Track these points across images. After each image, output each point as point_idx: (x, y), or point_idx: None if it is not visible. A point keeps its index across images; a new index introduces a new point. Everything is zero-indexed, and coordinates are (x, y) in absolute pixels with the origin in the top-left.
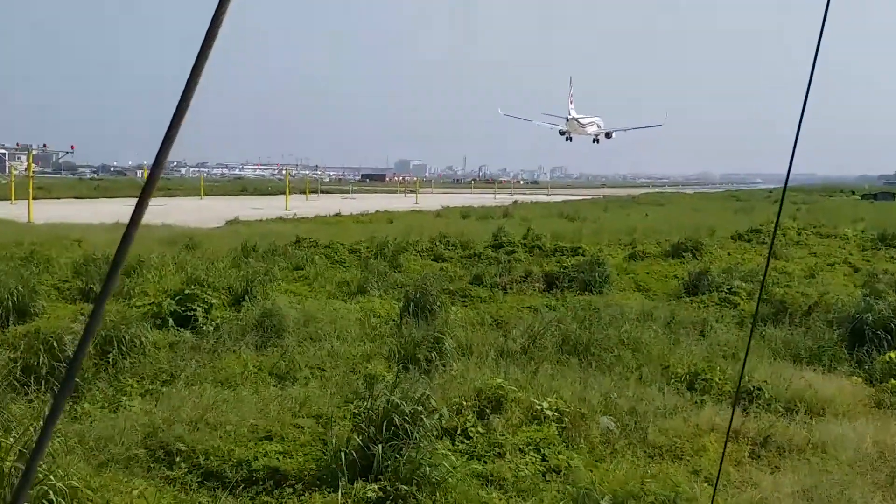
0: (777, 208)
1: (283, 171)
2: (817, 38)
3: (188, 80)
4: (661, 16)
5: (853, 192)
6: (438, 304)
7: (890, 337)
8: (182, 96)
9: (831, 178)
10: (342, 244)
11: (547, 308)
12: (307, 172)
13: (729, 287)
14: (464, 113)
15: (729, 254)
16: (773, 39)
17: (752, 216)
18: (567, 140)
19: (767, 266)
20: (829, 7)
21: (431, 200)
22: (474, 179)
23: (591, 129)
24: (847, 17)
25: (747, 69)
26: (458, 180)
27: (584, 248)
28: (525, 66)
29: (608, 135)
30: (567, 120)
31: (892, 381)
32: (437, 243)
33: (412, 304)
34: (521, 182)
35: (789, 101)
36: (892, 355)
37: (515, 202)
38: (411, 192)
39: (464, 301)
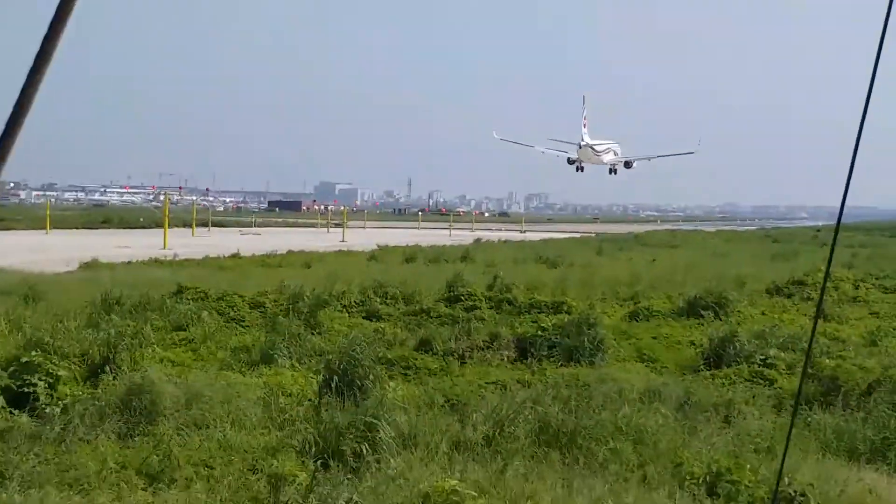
0: (827, 253)
1: (162, 196)
2: (878, 41)
3: (27, 79)
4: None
5: None
6: (371, 377)
7: None
8: (18, 100)
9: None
10: (240, 296)
11: (519, 384)
12: (195, 198)
13: (763, 357)
14: (409, 123)
15: (763, 313)
16: (825, 42)
17: (795, 263)
18: (578, 170)
19: (814, 330)
20: (891, 12)
21: (364, 237)
22: (423, 210)
23: (608, 158)
24: None
25: (789, 74)
26: (400, 210)
27: (569, 303)
28: (500, 67)
29: (627, 164)
30: (580, 147)
31: None
32: (371, 295)
33: (335, 379)
34: (487, 214)
35: (844, 113)
36: None
37: (478, 240)
38: (336, 225)
39: (406, 374)
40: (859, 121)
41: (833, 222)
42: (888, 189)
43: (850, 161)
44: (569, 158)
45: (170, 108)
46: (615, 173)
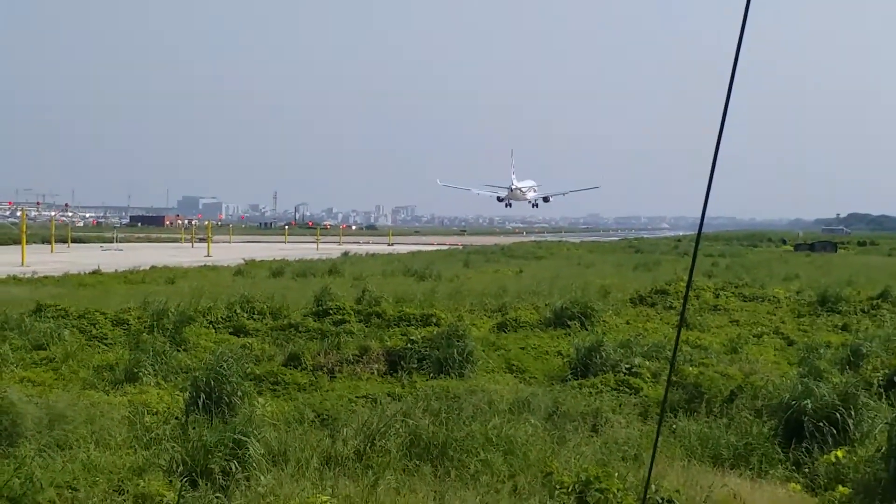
0: (689, 262)
1: (19, 212)
2: (736, 44)
3: None
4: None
5: (784, 242)
6: (239, 394)
7: (835, 430)
8: None
9: (757, 224)
10: (103, 313)
11: (390, 397)
12: (53, 213)
13: (628, 366)
14: (274, 136)
15: (628, 322)
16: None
17: (657, 272)
18: (506, 206)
19: (678, 339)
20: (748, 18)
21: (229, 252)
22: (289, 223)
23: (531, 195)
24: (777, 18)
25: (641, 78)
26: (266, 224)
27: (438, 315)
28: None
29: (546, 199)
30: (510, 190)
31: (841, 488)
32: (238, 311)
33: (202, 396)
34: (354, 227)
35: (706, 124)
36: (839, 454)
37: (346, 254)
38: (201, 240)
39: (275, 389)
40: (716, 139)
41: (693, 232)
42: (744, 201)
43: (708, 175)
44: (498, 197)
45: (28, 121)
46: (536, 206)
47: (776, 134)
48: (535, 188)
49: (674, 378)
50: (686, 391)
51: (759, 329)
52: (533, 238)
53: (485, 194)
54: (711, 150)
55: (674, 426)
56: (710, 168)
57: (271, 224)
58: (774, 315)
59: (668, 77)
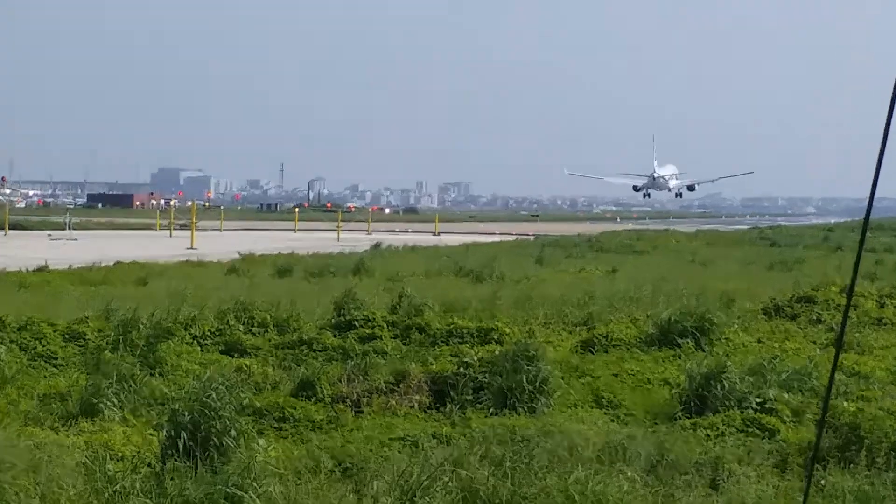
0: (843, 260)
1: None
2: None
3: None
4: None
5: None
6: (234, 433)
7: None
8: None
9: None
10: (51, 324)
11: (435, 440)
12: None
13: (760, 401)
14: (281, 91)
15: (760, 341)
16: None
17: (800, 273)
18: (645, 196)
19: (836, 363)
20: None
21: (221, 243)
22: (301, 205)
23: (673, 183)
24: None
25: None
26: (270, 206)
27: (501, 329)
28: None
29: (691, 187)
30: (653, 179)
31: None
32: (233, 322)
33: (184, 436)
34: (389, 210)
35: (865, 76)
36: None
37: (377, 246)
38: (182, 227)
39: (281, 428)
40: (889, 101)
41: (849, 219)
42: None
43: (880, 144)
44: (635, 186)
45: None
46: (680, 196)
47: None
48: (678, 175)
49: (826, 417)
50: (840, 434)
51: None
52: (630, 226)
53: (619, 183)
54: (875, 114)
55: (822, 482)
56: (882, 134)
57: (276, 206)
58: None
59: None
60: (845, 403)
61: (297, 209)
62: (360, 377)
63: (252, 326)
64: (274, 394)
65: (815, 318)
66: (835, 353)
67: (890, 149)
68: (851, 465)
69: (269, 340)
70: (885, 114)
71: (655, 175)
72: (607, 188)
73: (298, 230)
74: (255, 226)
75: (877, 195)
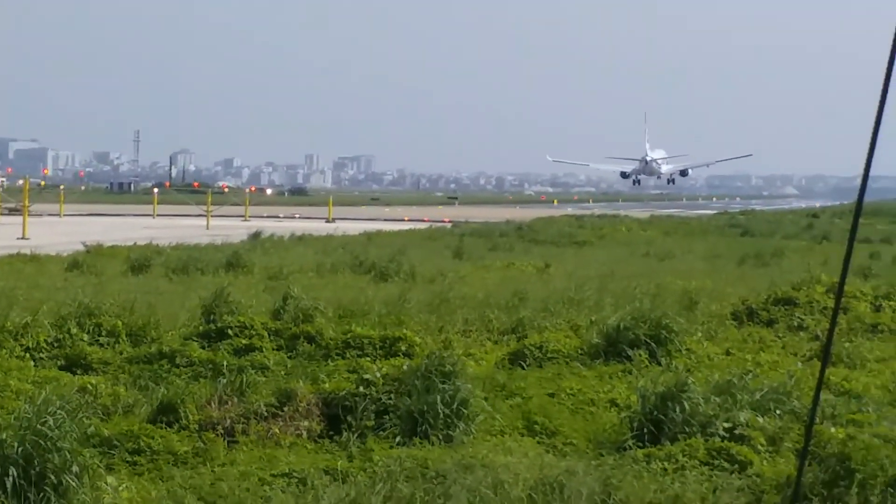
0: (829, 253)
1: None
2: None
3: None
4: None
5: None
6: (76, 470)
7: None
8: None
9: None
10: None
11: (328, 476)
12: None
13: (729, 426)
14: (133, 41)
15: (729, 352)
16: None
17: (777, 269)
18: (634, 184)
19: (821, 380)
20: None
21: (61, 231)
22: (161, 184)
23: (666, 168)
24: None
25: None
26: (123, 186)
27: (410, 339)
28: None
29: (683, 172)
30: (645, 162)
31: None
32: (74, 330)
33: (13, 473)
34: (271, 191)
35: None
36: None
37: (257, 235)
38: (12, 211)
39: (136, 463)
40: (886, 67)
41: (837, 203)
42: None
43: (875, 113)
44: (623, 173)
45: None
46: (673, 183)
47: None
48: (668, 159)
49: (810, 446)
50: (826, 467)
51: None
52: (570, 210)
53: (606, 169)
54: (866, 79)
55: None
56: (876, 106)
57: (131, 185)
58: None
59: None
60: (833, 429)
61: (156, 189)
62: (235, 399)
63: (99, 336)
64: (127, 420)
65: (795, 324)
66: (820, 367)
67: (888, 118)
68: None
69: (121, 353)
70: (882, 79)
71: (648, 159)
72: (543, 165)
73: (158, 216)
74: (104, 210)
75: (872, 173)
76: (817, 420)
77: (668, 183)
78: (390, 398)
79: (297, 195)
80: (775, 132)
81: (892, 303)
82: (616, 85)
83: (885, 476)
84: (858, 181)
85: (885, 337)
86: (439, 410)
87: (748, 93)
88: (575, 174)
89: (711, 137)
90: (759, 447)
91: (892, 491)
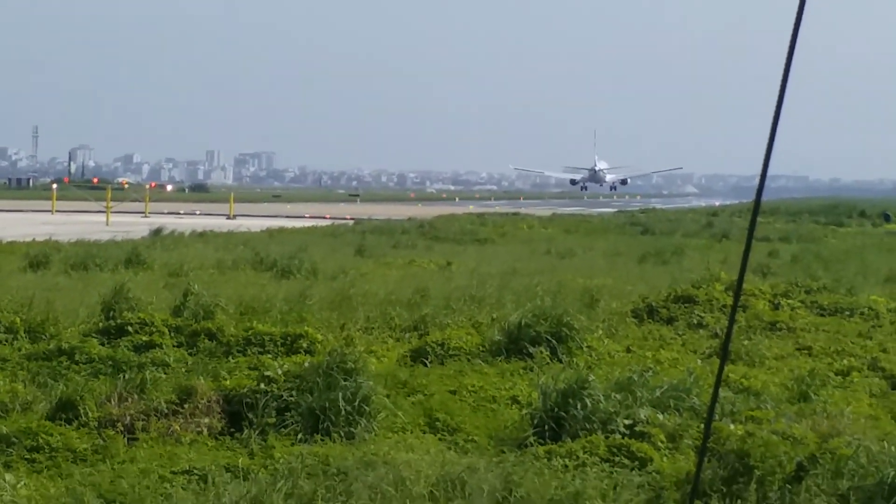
0: (728, 252)
1: None
2: None
3: None
4: None
5: (887, 217)
6: None
7: None
8: None
9: (842, 188)
10: None
11: (230, 473)
12: None
13: (630, 423)
14: (35, 30)
15: (629, 350)
16: None
17: (677, 267)
18: (582, 189)
19: (720, 377)
20: None
21: None
22: (59, 180)
23: (610, 177)
24: None
25: None
26: (20, 182)
27: (312, 336)
28: None
29: (624, 181)
30: (594, 172)
31: None
32: None
33: None
34: (171, 187)
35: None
36: None
37: (157, 232)
38: None
39: (33, 460)
40: (785, 61)
41: (736, 202)
42: (822, 153)
43: (772, 112)
44: (572, 180)
45: None
46: (615, 190)
47: (870, 55)
48: (611, 170)
49: (709, 443)
50: (725, 464)
51: (844, 362)
52: (472, 208)
53: (561, 178)
54: (766, 72)
55: None
56: (775, 103)
57: (28, 181)
58: (870, 339)
59: None
60: (732, 426)
61: (55, 185)
62: (135, 395)
63: None
64: (25, 417)
65: (695, 321)
66: (719, 364)
67: (785, 118)
68: (739, 501)
69: (19, 350)
70: (780, 78)
71: (596, 168)
72: (444, 162)
73: (57, 212)
74: (1, 206)
75: (771, 172)
76: (716, 417)
77: (611, 190)
78: (292, 395)
79: (198, 192)
80: (674, 131)
81: (790, 301)
82: (515, 89)
83: (784, 472)
84: (757, 180)
85: (784, 335)
86: (341, 407)
87: (645, 90)
88: (476, 172)
89: (615, 137)
90: (659, 444)
91: (790, 487)
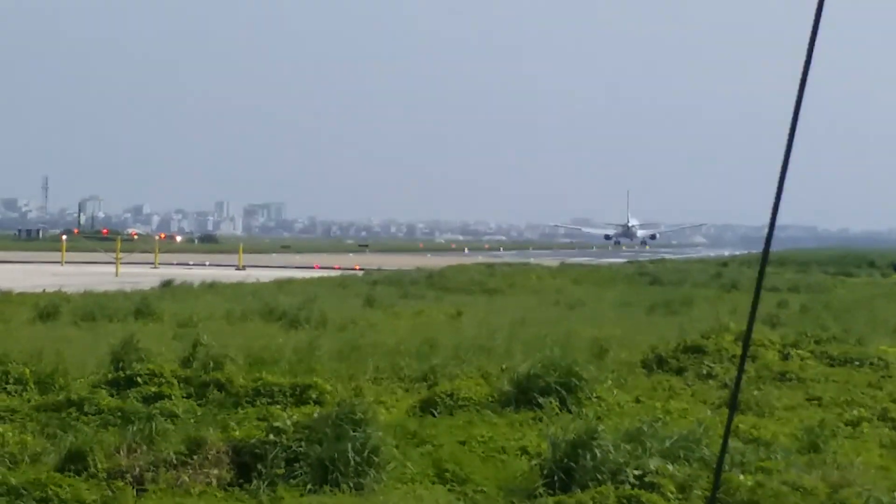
0: (738, 302)
1: None
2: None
3: None
4: None
5: None
6: None
7: None
8: None
9: (851, 238)
10: None
11: None
12: None
13: (639, 473)
14: (43, 82)
15: (638, 400)
16: None
17: (687, 318)
18: (615, 244)
19: (728, 428)
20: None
21: None
22: (69, 232)
23: (641, 233)
24: None
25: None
26: (30, 233)
27: (321, 387)
28: None
29: (653, 237)
30: (628, 228)
31: None
32: None
33: None
34: (181, 238)
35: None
36: None
37: (167, 283)
38: None
39: None
40: (792, 114)
41: (746, 252)
42: (831, 203)
43: (781, 166)
44: (606, 235)
45: None
46: (645, 245)
47: (879, 106)
48: (643, 226)
49: (718, 493)
50: None
51: (854, 412)
52: (481, 258)
53: (597, 233)
54: (777, 123)
55: None
56: (783, 154)
57: (39, 232)
58: (880, 389)
59: None
60: (741, 476)
61: (64, 236)
62: (144, 447)
63: (6, 384)
64: (34, 468)
65: (705, 372)
66: (728, 414)
67: (794, 168)
68: None
69: (28, 401)
70: (787, 128)
71: (629, 225)
72: (453, 212)
73: (67, 263)
74: (12, 257)
75: (780, 222)
76: (726, 467)
77: (642, 244)
78: (301, 446)
79: (208, 242)
80: (684, 182)
81: (799, 351)
82: (526, 144)
83: None
84: (766, 230)
85: (793, 385)
86: (350, 458)
87: (651, 147)
88: (486, 222)
89: (623, 189)
90: (669, 494)
91: None
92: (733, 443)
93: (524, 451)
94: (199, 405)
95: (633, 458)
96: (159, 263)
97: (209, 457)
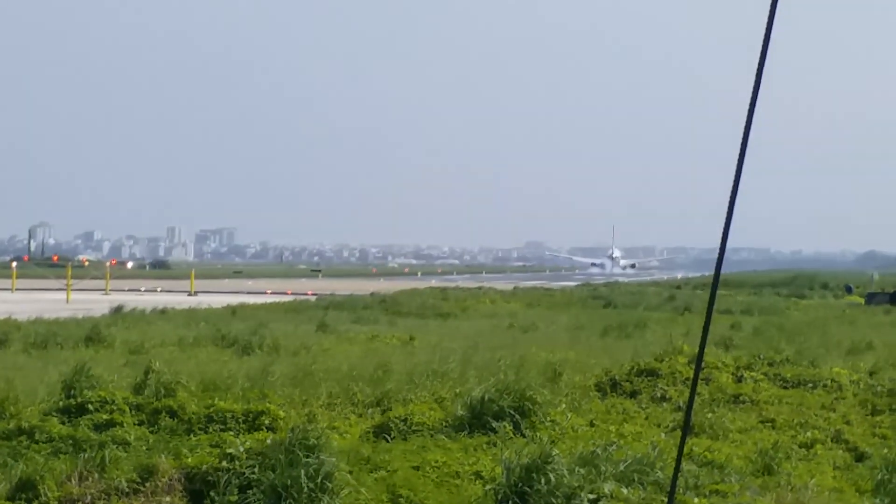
0: (691, 324)
1: None
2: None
3: None
4: None
5: (849, 289)
6: None
7: None
8: None
9: (804, 260)
10: None
11: None
12: None
13: (594, 497)
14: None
15: (592, 423)
16: None
17: (640, 340)
18: (599, 267)
19: (681, 451)
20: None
21: None
22: (19, 258)
23: (623, 262)
24: None
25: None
26: None
27: (274, 413)
28: None
29: (633, 266)
30: (611, 258)
31: None
32: None
33: None
34: (132, 264)
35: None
36: None
37: (118, 309)
38: None
39: None
40: (743, 131)
41: (698, 275)
42: (783, 225)
43: (732, 187)
44: (593, 263)
45: None
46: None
47: (829, 125)
48: (623, 257)
49: None
50: None
51: (808, 434)
52: (434, 282)
53: (585, 262)
54: (727, 149)
55: None
56: (733, 176)
57: None
58: (833, 411)
59: None
60: (696, 500)
61: (14, 263)
62: (96, 474)
63: None
64: None
65: (658, 395)
66: (681, 437)
67: (745, 191)
68: None
69: None
70: (737, 153)
71: (613, 256)
72: (406, 236)
73: (17, 290)
74: None
75: (733, 245)
76: (680, 490)
77: (623, 270)
78: (254, 472)
79: (159, 268)
80: (636, 205)
81: (753, 373)
82: (478, 167)
83: None
84: (717, 253)
85: (747, 407)
86: (303, 484)
87: (604, 161)
88: (439, 246)
89: (576, 212)
90: None
91: None
92: (687, 466)
93: (478, 475)
94: (151, 432)
95: (587, 481)
96: (111, 290)
97: (161, 484)
